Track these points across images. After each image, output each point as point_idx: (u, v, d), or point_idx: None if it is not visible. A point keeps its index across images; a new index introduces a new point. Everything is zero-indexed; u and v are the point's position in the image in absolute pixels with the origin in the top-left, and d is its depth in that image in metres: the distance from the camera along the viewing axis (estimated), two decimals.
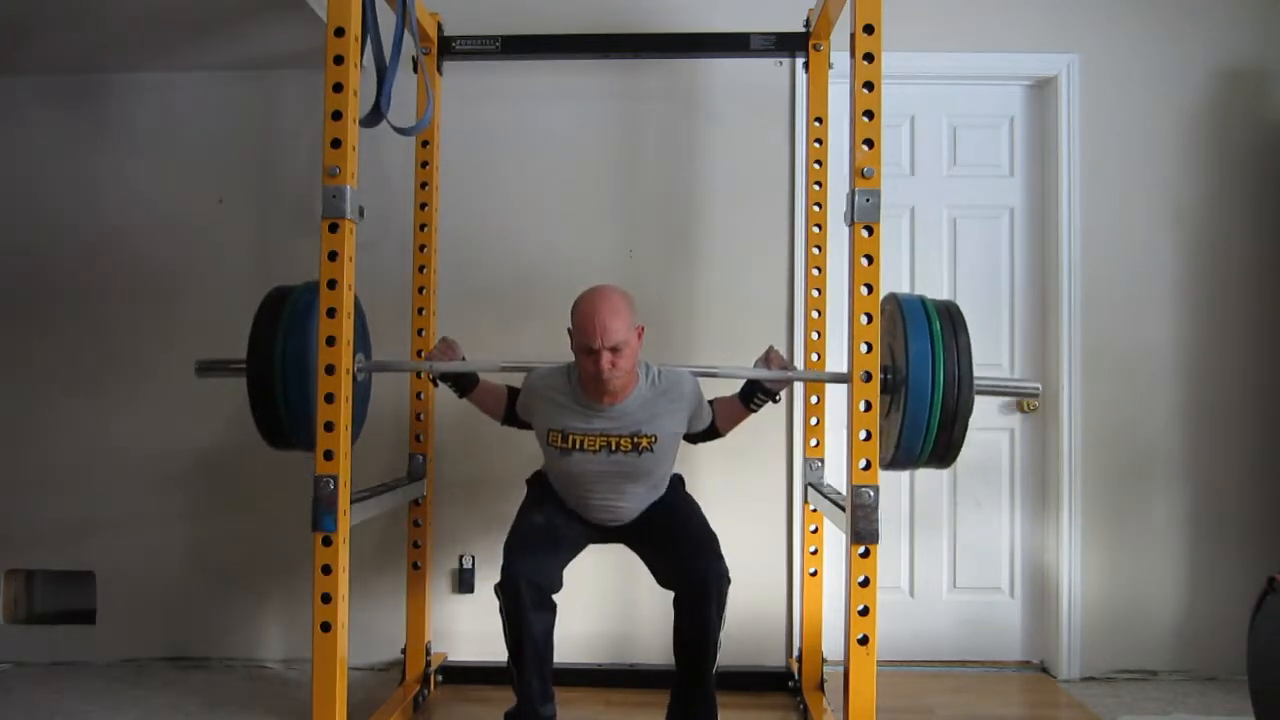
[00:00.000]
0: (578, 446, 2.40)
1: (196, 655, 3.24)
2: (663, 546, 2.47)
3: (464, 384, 2.58)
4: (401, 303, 3.02)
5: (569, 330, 2.35)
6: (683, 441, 2.54)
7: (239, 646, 3.24)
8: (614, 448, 2.39)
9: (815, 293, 2.93)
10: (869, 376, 2.11)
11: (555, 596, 2.37)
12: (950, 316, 2.25)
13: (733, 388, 2.58)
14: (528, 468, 2.68)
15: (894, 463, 2.30)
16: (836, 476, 2.80)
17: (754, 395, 2.53)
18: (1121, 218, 3.19)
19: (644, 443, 2.39)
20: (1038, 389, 2.47)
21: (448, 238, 3.08)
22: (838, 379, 2.32)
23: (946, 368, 2.17)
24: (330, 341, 2.14)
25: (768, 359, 2.50)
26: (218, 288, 3.25)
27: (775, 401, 2.56)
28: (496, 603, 2.34)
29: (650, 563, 2.52)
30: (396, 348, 3.07)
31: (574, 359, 2.39)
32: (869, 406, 2.11)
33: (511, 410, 2.59)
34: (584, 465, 2.41)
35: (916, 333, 2.20)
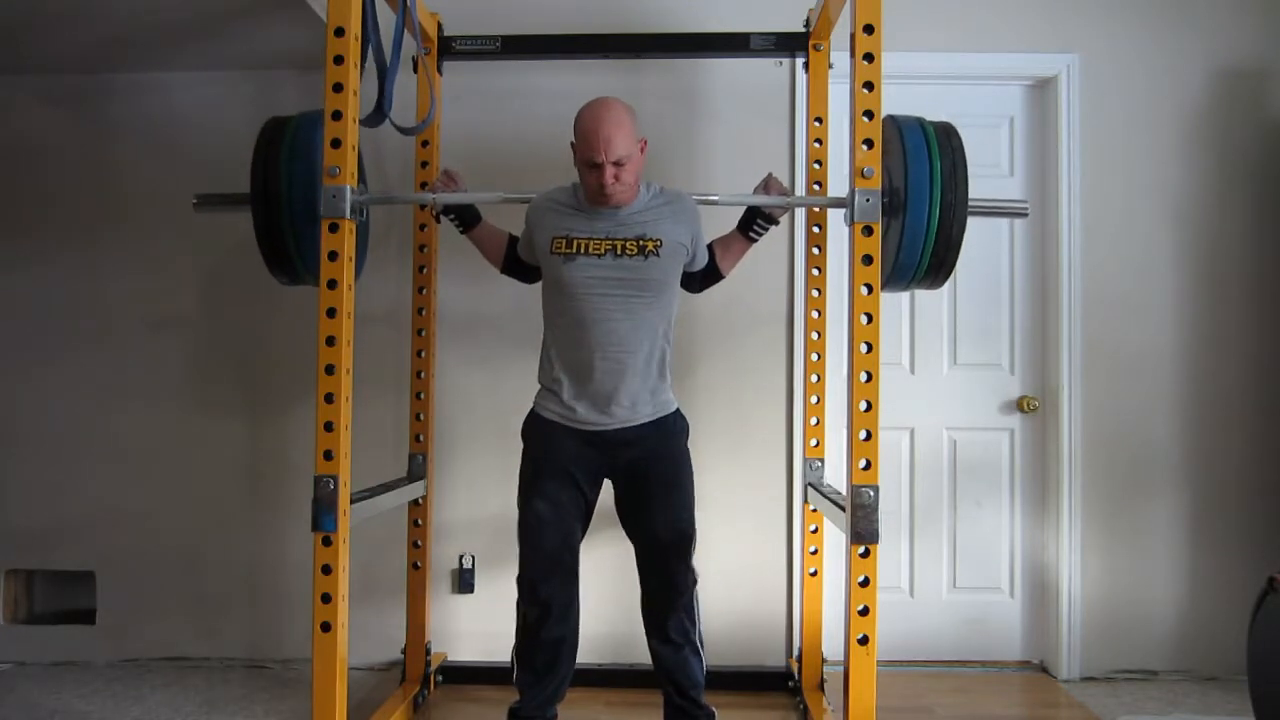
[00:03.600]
0: (582, 250, 2.32)
1: (196, 655, 3.24)
2: (641, 523, 2.39)
3: (467, 218, 2.57)
4: (401, 303, 3.02)
5: (572, 144, 2.33)
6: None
7: (239, 646, 3.24)
8: (619, 251, 2.32)
9: (815, 293, 2.93)
10: (869, 377, 2.11)
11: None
12: (944, 125, 2.34)
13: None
14: None
15: (891, 280, 2.36)
16: (836, 476, 2.80)
17: (753, 223, 2.52)
18: (1121, 218, 3.19)
19: (650, 246, 2.33)
20: (1026, 209, 2.56)
21: (447, 236, 3.08)
22: (837, 204, 2.35)
23: (943, 161, 2.24)
24: (330, 341, 2.14)
25: (767, 185, 2.51)
26: (217, 283, 3.25)
27: (775, 224, 2.57)
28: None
29: (622, 518, 2.44)
30: (396, 351, 3.07)
31: (577, 179, 2.38)
32: (869, 406, 2.11)
33: (513, 252, 2.58)
34: (588, 271, 2.31)
35: (912, 136, 2.29)
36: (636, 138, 2.31)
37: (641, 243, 2.33)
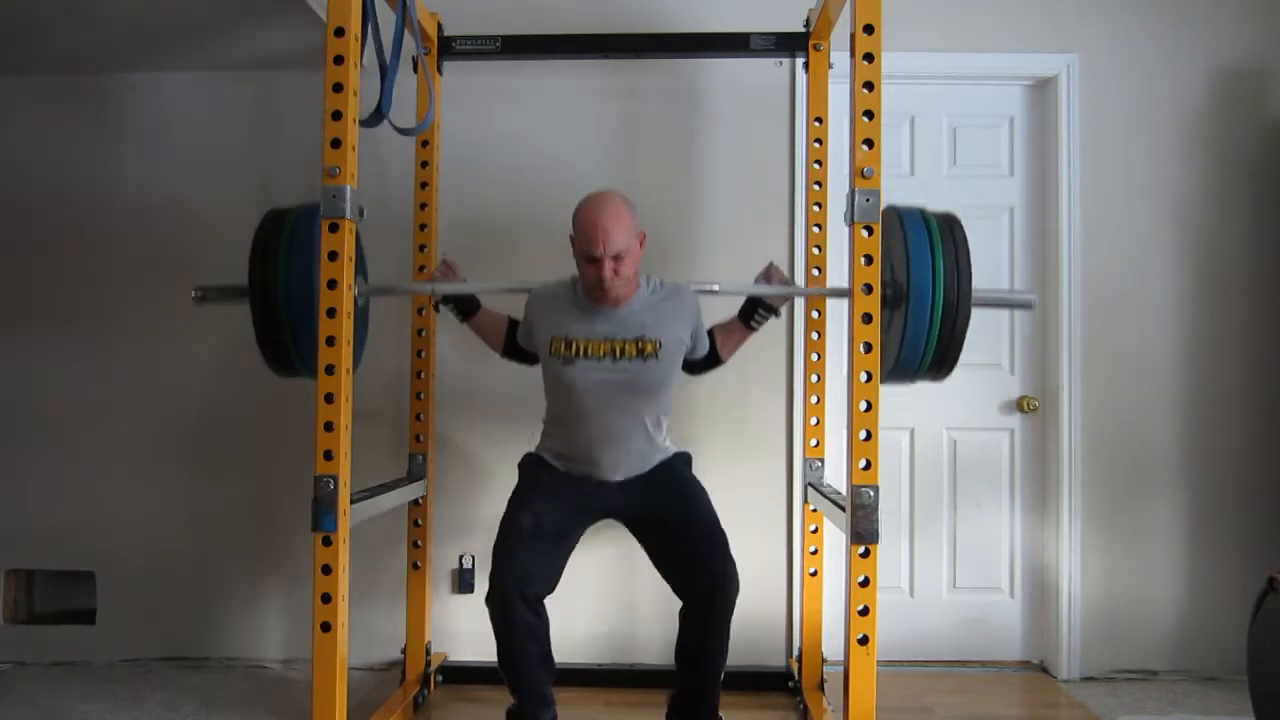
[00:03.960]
0: (581, 353, 2.33)
1: (196, 655, 3.24)
2: (668, 538, 2.37)
3: (466, 307, 2.57)
4: (402, 304, 3.02)
5: (571, 238, 2.33)
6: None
7: (239, 646, 3.24)
8: (619, 354, 2.33)
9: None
10: (869, 377, 2.11)
11: (554, 595, 2.33)
12: (947, 217, 2.28)
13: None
14: None
15: (894, 373, 2.30)
16: (836, 476, 2.80)
17: (755, 312, 2.51)
18: (1121, 218, 3.19)
19: (649, 348, 2.33)
20: (1032, 301, 2.50)
21: (447, 237, 3.08)
22: (839, 294, 2.32)
23: (945, 258, 2.19)
24: (330, 341, 2.14)
25: (768, 274, 2.49)
26: (219, 284, 3.25)
27: (776, 316, 2.55)
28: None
29: (652, 551, 2.42)
30: (397, 348, 3.07)
31: (576, 271, 2.37)
32: (869, 406, 2.11)
33: (512, 338, 2.57)
34: (587, 375, 2.33)
35: (914, 229, 2.23)
36: (635, 230, 2.31)
37: (640, 345, 2.34)
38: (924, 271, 2.19)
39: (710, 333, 2.55)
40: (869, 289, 2.12)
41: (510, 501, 2.43)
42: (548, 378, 2.45)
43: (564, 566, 2.39)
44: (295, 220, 2.30)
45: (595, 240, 2.23)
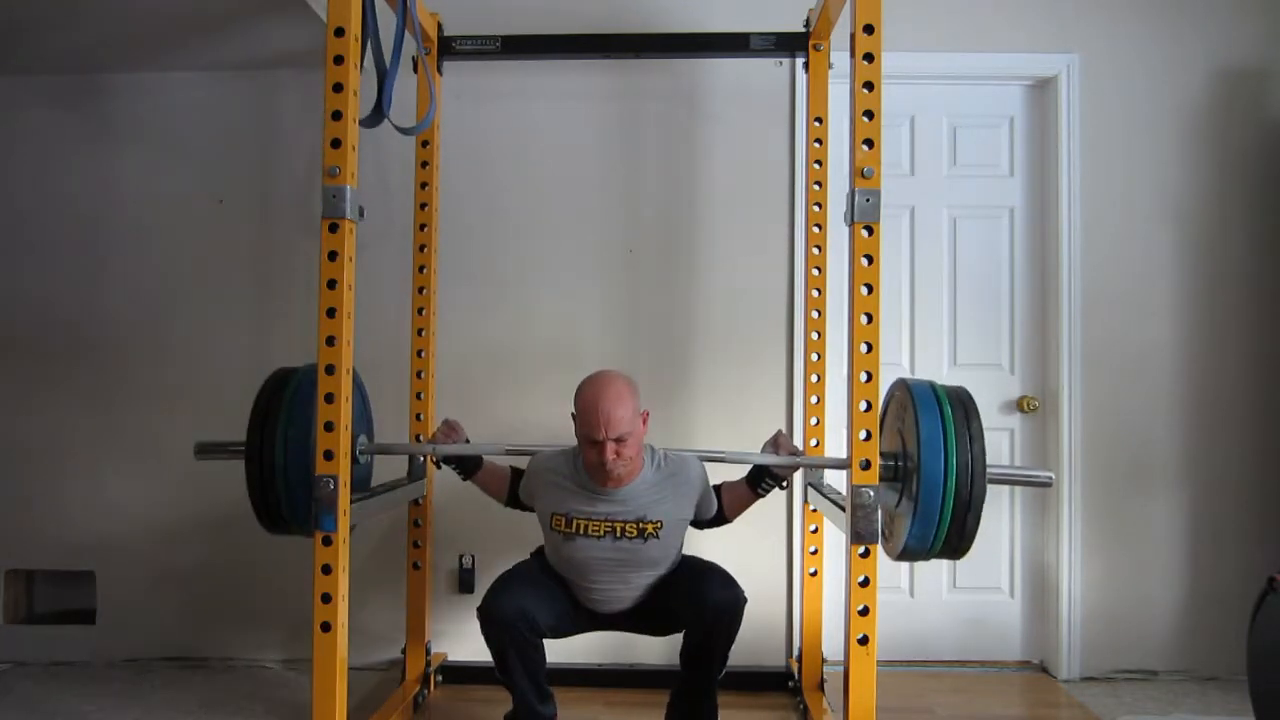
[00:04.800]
0: (581, 531, 2.36)
1: (196, 655, 3.24)
2: (671, 597, 2.39)
3: (468, 466, 2.56)
4: (401, 304, 3.02)
5: (573, 415, 2.33)
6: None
7: (239, 646, 3.24)
8: (619, 533, 2.35)
9: (815, 293, 2.93)
10: (869, 377, 2.11)
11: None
12: (962, 402, 2.18)
13: (739, 471, 2.56)
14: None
15: (905, 554, 2.21)
16: (836, 476, 2.80)
17: (761, 480, 2.49)
18: (1121, 217, 3.19)
19: (649, 528, 2.35)
20: (1050, 479, 2.38)
21: (448, 237, 3.08)
22: (839, 465, 2.26)
23: (959, 453, 2.10)
24: (330, 342, 2.14)
25: (776, 443, 2.47)
26: (218, 287, 3.26)
27: (783, 488, 2.54)
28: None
29: (659, 625, 2.46)
30: (396, 346, 3.07)
31: (578, 443, 2.36)
32: (869, 406, 2.11)
33: (515, 492, 2.58)
34: (587, 551, 2.36)
35: (928, 417, 2.14)
36: (638, 411, 2.31)
37: (641, 525, 2.35)
38: (935, 464, 2.10)
39: (717, 489, 2.54)
40: (869, 289, 2.12)
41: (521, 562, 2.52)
42: (548, 542, 2.48)
43: (551, 630, 2.39)
44: (298, 386, 2.29)
45: (597, 424, 2.23)
